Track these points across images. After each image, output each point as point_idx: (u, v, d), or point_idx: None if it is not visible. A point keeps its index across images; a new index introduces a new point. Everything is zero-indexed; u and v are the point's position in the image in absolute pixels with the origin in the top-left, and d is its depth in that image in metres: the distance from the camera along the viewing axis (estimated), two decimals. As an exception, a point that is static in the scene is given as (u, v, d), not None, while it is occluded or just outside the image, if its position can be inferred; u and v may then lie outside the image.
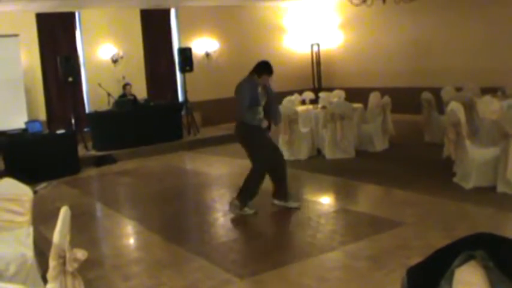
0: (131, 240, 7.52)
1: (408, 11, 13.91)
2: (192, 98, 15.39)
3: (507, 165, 7.61)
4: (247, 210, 7.83)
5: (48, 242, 3.66)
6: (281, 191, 8.09)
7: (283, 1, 17.68)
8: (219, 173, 11.25)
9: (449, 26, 15.38)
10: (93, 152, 13.28)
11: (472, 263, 2.09)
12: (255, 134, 7.71)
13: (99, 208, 9.40)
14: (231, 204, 7.91)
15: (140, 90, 15.43)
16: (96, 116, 13.86)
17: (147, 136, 13.74)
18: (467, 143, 8.22)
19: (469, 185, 8.13)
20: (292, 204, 8.04)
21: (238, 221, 7.73)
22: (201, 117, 16.03)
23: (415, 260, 2.32)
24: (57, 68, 13.73)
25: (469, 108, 10.22)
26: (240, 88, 7.68)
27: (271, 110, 7.92)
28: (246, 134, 7.77)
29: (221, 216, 7.99)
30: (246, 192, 7.81)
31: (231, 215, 7.85)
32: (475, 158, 8.13)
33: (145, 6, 15.90)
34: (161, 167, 12.35)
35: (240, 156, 8.27)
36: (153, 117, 13.98)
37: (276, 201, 8.14)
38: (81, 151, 12.82)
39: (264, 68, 7.74)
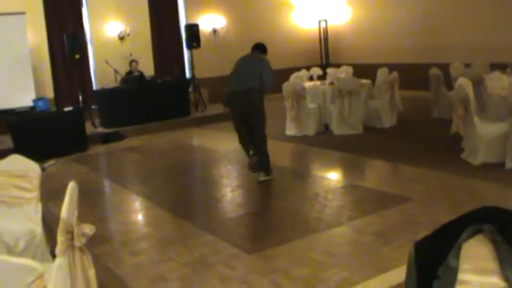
0: (139, 216, 7.54)
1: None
2: (199, 75, 15.35)
3: (515, 141, 7.58)
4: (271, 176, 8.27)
5: (56, 218, 3.67)
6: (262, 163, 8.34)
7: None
8: (226, 149, 11.24)
9: (458, 1, 15.24)
10: (100, 129, 13.32)
11: (480, 236, 2.09)
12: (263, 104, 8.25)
13: (107, 184, 9.43)
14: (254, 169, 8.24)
15: (147, 67, 15.41)
16: (103, 93, 13.86)
17: (154, 113, 13.75)
18: (476, 119, 8.19)
19: (477, 161, 8.11)
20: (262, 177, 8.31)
21: (246, 197, 7.77)
22: (208, 93, 15.99)
23: (423, 235, 2.32)
24: (64, 45, 13.71)
25: (478, 84, 10.17)
26: (267, 62, 8.18)
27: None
28: (261, 102, 8.22)
29: (229, 192, 8.02)
30: (268, 158, 8.24)
31: (239, 191, 7.88)
32: (483, 134, 8.10)
33: (151, -17, 15.84)
34: (168, 143, 12.36)
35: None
36: (160, 94, 13.98)
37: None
38: (89, 128, 12.84)
39: (265, 48, 8.46)
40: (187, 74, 16.51)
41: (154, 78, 14.56)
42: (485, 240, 2.07)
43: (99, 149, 12.14)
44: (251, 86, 8.02)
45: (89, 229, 3.49)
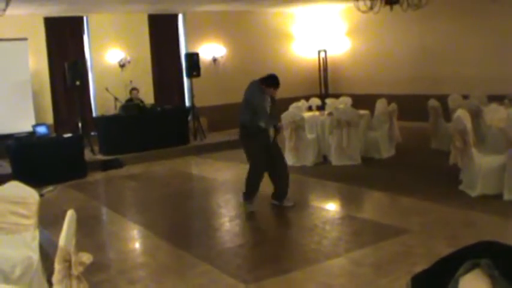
0: (137, 245, 7.53)
1: (415, 18, 13.91)
2: (198, 103, 15.41)
3: (513, 173, 7.60)
4: (247, 206, 8.30)
5: (54, 246, 3.68)
6: (279, 191, 8.52)
7: (291, 7, 17.69)
8: (225, 178, 11.26)
9: (456, 33, 15.37)
10: (99, 156, 13.31)
11: (477, 271, 2.09)
12: (252, 136, 8.19)
13: (105, 212, 9.41)
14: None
15: (147, 95, 15.48)
16: (103, 120, 13.90)
17: (154, 141, 13.77)
18: (474, 150, 8.22)
19: (475, 192, 8.12)
20: (286, 203, 8.47)
21: (244, 227, 7.76)
22: (208, 122, 16.06)
23: (420, 267, 2.33)
24: (65, 72, 13.78)
25: (476, 116, 10.22)
26: (254, 96, 8.10)
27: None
28: (248, 137, 8.22)
29: (227, 222, 8.01)
30: (248, 186, 8.36)
31: (237, 221, 7.89)
32: (481, 166, 8.12)
33: (153, 11, 15.95)
34: (167, 171, 12.37)
35: (246, 162, 8.30)
36: (160, 122, 14.02)
37: (273, 201, 8.61)
38: (88, 155, 12.84)
39: (272, 82, 8.16)
40: (187, 103, 16.56)
41: (154, 106, 14.61)
42: (483, 275, 2.08)
43: (98, 176, 12.14)
44: (241, 120, 8.23)
45: (86, 258, 3.49)
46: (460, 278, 2.10)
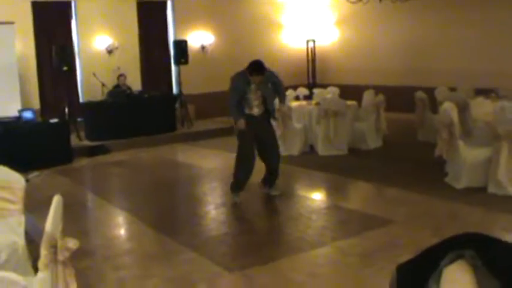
0: (122, 231, 7.54)
1: (404, 10, 13.95)
2: (186, 91, 15.38)
3: (498, 166, 7.67)
4: (235, 197, 8.14)
5: (40, 231, 3.67)
6: (268, 178, 8.47)
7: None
8: (212, 166, 11.27)
9: (445, 26, 15.42)
10: (86, 142, 13.26)
11: (461, 262, 2.11)
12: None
13: (91, 198, 9.40)
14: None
15: (135, 82, 15.42)
16: (90, 105, 13.85)
17: (141, 127, 13.73)
18: (460, 143, 8.27)
19: (460, 185, 8.18)
20: (273, 192, 8.45)
21: (230, 215, 7.78)
22: (195, 110, 16.02)
23: (405, 257, 2.34)
24: (52, 56, 13.70)
25: (462, 108, 10.25)
26: (231, 84, 8.01)
27: (279, 95, 8.42)
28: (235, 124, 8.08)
29: (212, 209, 8.03)
30: (234, 178, 8.20)
31: (223, 209, 7.91)
32: (467, 159, 8.17)
33: (142, -2, 15.89)
34: (154, 158, 12.35)
35: (233, 150, 8.28)
36: (147, 109, 13.98)
37: (261, 188, 8.58)
38: (74, 140, 12.78)
39: (252, 69, 7.92)
40: (175, 90, 16.52)
41: (142, 93, 14.57)
42: (466, 266, 2.10)
43: (84, 162, 12.10)
44: None
45: (72, 244, 3.49)
46: (444, 268, 2.12)
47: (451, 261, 2.12)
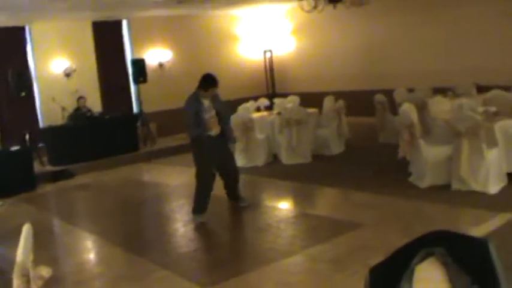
0: (93, 255, 7.48)
1: (359, 15, 14.12)
2: (147, 109, 15.34)
3: (460, 163, 7.79)
4: (196, 218, 8.00)
5: (11, 261, 3.63)
6: (231, 193, 8.49)
7: (235, 9, 17.72)
8: (177, 183, 11.23)
9: (400, 29, 15.63)
10: (49, 167, 13.11)
11: (431, 259, 2.16)
12: (194, 146, 8.04)
13: (58, 224, 9.30)
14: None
15: (95, 103, 15.29)
16: (51, 130, 13.70)
17: (104, 149, 13.60)
18: (421, 143, 8.38)
19: (424, 183, 8.30)
20: (241, 203, 8.45)
21: (199, 231, 7.75)
22: (157, 127, 15.97)
23: (376, 260, 2.38)
24: (8, 82, 13.53)
25: (421, 108, 10.41)
26: (185, 104, 7.92)
27: (223, 123, 8.14)
28: (192, 143, 8.07)
29: (181, 227, 8.01)
30: (196, 194, 8.06)
31: (192, 225, 7.88)
32: (429, 158, 8.29)
33: (96, 18, 15.78)
34: (119, 179, 12.27)
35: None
36: (109, 130, 13.88)
37: (231, 201, 8.59)
38: (37, 167, 12.62)
39: (207, 82, 7.89)
40: (135, 109, 16.44)
41: (102, 114, 14.48)
42: (437, 263, 2.14)
43: (48, 188, 11.96)
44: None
45: (46, 272, 3.46)
46: (415, 266, 2.16)
47: (422, 260, 2.17)
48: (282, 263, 6.02)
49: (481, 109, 9.25)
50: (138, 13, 15.87)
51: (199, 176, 7.99)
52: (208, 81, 7.86)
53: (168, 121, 16.04)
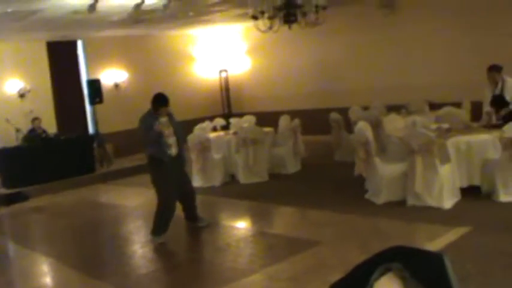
0: (50, 279, 7.37)
1: (313, 35, 14.22)
2: (103, 130, 15.25)
3: (414, 179, 7.93)
4: (155, 239, 7.93)
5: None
6: (189, 214, 8.44)
7: (190, 29, 17.78)
8: (135, 204, 11.17)
9: (353, 48, 15.87)
10: (3, 190, 12.92)
11: (390, 275, 2.22)
12: (154, 167, 7.91)
13: (13, 248, 9.15)
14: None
15: (50, 124, 15.13)
16: (5, 152, 13.49)
17: (59, 170, 13.45)
18: (376, 160, 8.52)
19: (380, 200, 8.42)
20: (200, 223, 8.43)
21: (158, 252, 7.72)
22: (114, 148, 15.86)
23: (335, 277, 2.43)
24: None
25: (376, 126, 10.57)
26: (138, 122, 7.87)
27: (179, 143, 8.12)
28: (150, 165, 8.00)
29: (140, 248, 7.95)
30: (156, 217, 7.97)
31: (150, 246, 7.84)
32: (384, 174, 8.42)
33: (51, 39, 15.67)
34: (76, 201, 12.15)
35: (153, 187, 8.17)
36: (64, 151, 13.74)
37: (189, 222, 8.52)
38: (-9, 190, 12.45)
39: (158, 102, 7.86)
40: (91, 130, 16.31)
41: (57, 135, 14.34)
42: (395, 278, 2.20)
43: (2, 211, 11.77)
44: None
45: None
46: (374, 282, 2.22)
47: (380, 276, 2.23)
48: (242, 282, 6.04)
49: (434, 126, 9.47)
50: (93, 33, 15.80)
51: (162, 197, 7.93)
52: (159, 101, 7.84)
53: (125, 141, 15.94)
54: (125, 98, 16.90)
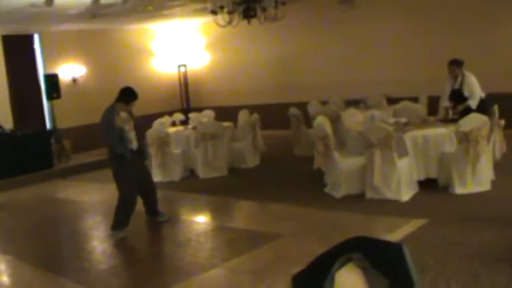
0: (8, 277, 7.28)
1: (272, 30, 14.30)
2: (61, 125, 15.09)
3: (373, 172, 8.05)
4: (116, 234, 7.89)
5: None
6: (150, 209, 8.42)
7: (149, 24, 17.68)
8: (94, 199, 11.10)
9: (311, 43, 15.99)
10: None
11: (350, 265, 2.26)
12: (116, 162, 7.86)
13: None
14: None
15: (5, 120, 14.90)
16: (-40, 148, 13.29)
17: (16, 166, 13.23)
18: (335, 154, 8.61)
19: (339, 193, 8.52)
20: (160, 218, 8.42)
21: (119, 247, 7.70)
22: (72, 143, 15.70)
23: (296, 269, 2.46)
24: None
25: (335, 120, 10.68)
26: (101, 117, 7.79)
27: (139, 138, 8.14)
28: (112, 160, 7.94)
29: (100, 244, 7.93)
30: (117, 210, 7.94)
31: (110, 242, 7.81)
32: (343, 168, 8.52)
33: (6, 32, 15.42)
34: (33, 197, 12.01)
35: (113, 182, 8.11)
36: (21, 147, 13.53)
37: (149, 217, 8.50)
38: None
39: (128, 95, 7.86)
40: (48, 125, 16.12)
41: (14, 131, 14.13)
42: (356, 268, 2.25)
43: (-42, 208, 11.60)
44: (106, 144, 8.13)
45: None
46: (335, 273, 2.26)
47: (342, 266, 2.27)
48: (204, 276, 6.07)
49: (391, 120, 9.60)
50: (50, 27, 15.60)
51: (124, 192, 7.90)
52: (130, 94, 7.84)
53: (83, 137, 15.81)
54: (83, 93, 16.73)
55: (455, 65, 9.43)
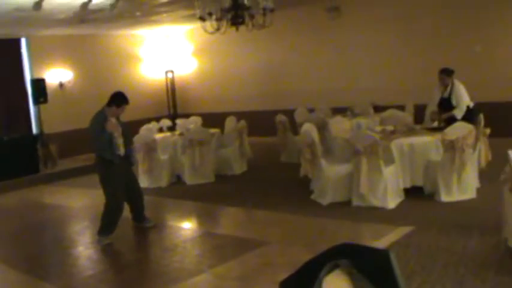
0: (-7, 281, 7.27)
1: (260, 37, 14.33)
2: (48, 130, 15.04)
3: (359, 180, 8.08)
4: (102, 240, 7.89)
5: None
6: (137, 215, 8.46)
7: (137, 30, 17.69)
8: (80, 205, 11.07)
9: (299, 50, 16.06)
10: None
11: (338, 271, 2.30)
12: (104, 168, 7.85)
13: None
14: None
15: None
16: None
17: (2, 171, 13.17)
18: (322, 161, 8.64)
19: (326, 201, 8.55)
20: (146, 224, 8.44)
21: (105, 252, 7.68)
22: (58, 148, 15.64)
23: (282, 276, 2.49)
24: None
25: (322, 128, 10.72)
26: (91, 121, 7.78)
27: (126, 144, 8.13)
28: (99, 165, 7.93)
29: (86, 249, 7.89)
30: (101, 224, 7.94)
31: (97, 247, 7.79)
32: (330, 176, 8.56)
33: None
34: (19, 202, 11.96)
35: (100, 187, 8.09)
36: (7, 152, 13.49)
37: (135, 223, 8.52)
38: None
39: (119, 100, 7.87)
40: (35, 130, 16.05)
41: (0, 136, 14.07)
42: (343, 274, 2.28)
43: None
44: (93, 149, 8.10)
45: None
46: (323, 278, 2.29)
47: (329, 272, 2.30)
48: (190, 282, 6.07)
49: (378, 128, 9.66)
50: (38, 31, 15.56)
51: (111, 198, 7.89)
52: (121, 99, 7.85)
53: (70, 142, 15.77)
54: (70, 98, 16.70)
55: (445, 74, 9.48)
